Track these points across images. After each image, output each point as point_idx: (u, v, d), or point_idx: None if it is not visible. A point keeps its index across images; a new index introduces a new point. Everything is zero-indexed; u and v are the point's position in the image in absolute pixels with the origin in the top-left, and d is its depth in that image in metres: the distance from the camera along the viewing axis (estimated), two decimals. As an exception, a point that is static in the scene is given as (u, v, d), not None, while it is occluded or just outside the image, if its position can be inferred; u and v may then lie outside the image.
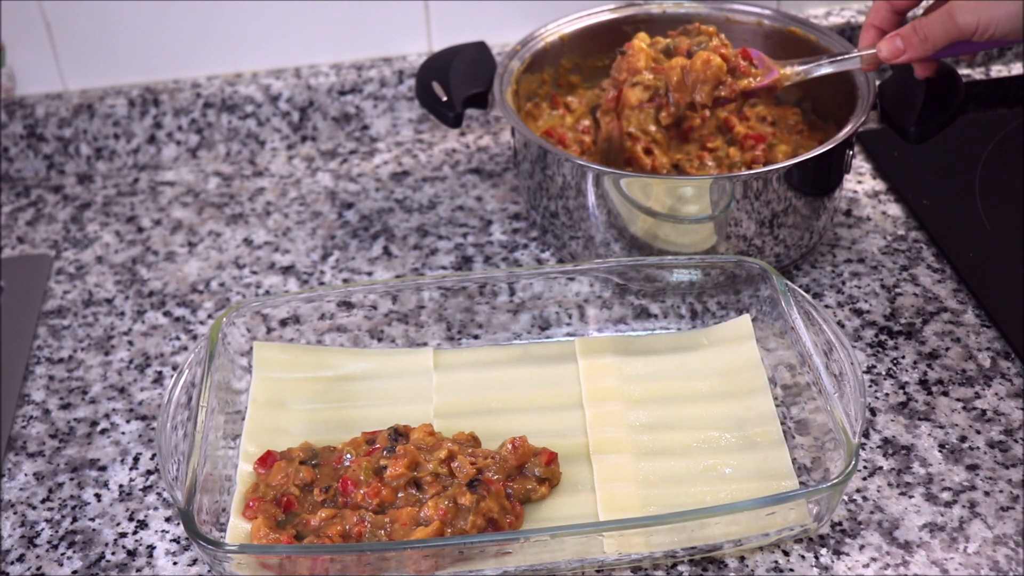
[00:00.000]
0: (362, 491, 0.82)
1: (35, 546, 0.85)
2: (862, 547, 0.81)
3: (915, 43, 0.93)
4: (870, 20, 0.98)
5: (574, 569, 0.80)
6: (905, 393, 0.93)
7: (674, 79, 1.01)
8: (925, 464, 0.87)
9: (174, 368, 0.99)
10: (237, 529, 0.82)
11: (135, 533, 0.86)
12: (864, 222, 1.10)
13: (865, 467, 0.87)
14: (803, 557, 0.81)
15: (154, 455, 0.92)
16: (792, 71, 1.02)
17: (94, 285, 1.09)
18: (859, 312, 1.00)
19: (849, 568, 0.80)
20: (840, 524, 0.83)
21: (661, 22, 1.16)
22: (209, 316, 1.05)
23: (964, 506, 0.83)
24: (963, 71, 1.30)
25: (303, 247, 1.12)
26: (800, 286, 1.03)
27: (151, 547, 0.85)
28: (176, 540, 0.85)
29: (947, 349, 0.96)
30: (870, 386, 0.93)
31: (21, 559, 0.85)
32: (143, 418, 0.95)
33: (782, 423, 0.89)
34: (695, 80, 1.00)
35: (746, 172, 0.98)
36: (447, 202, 1.17)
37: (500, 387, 0.93)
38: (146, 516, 0.87)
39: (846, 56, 1.01)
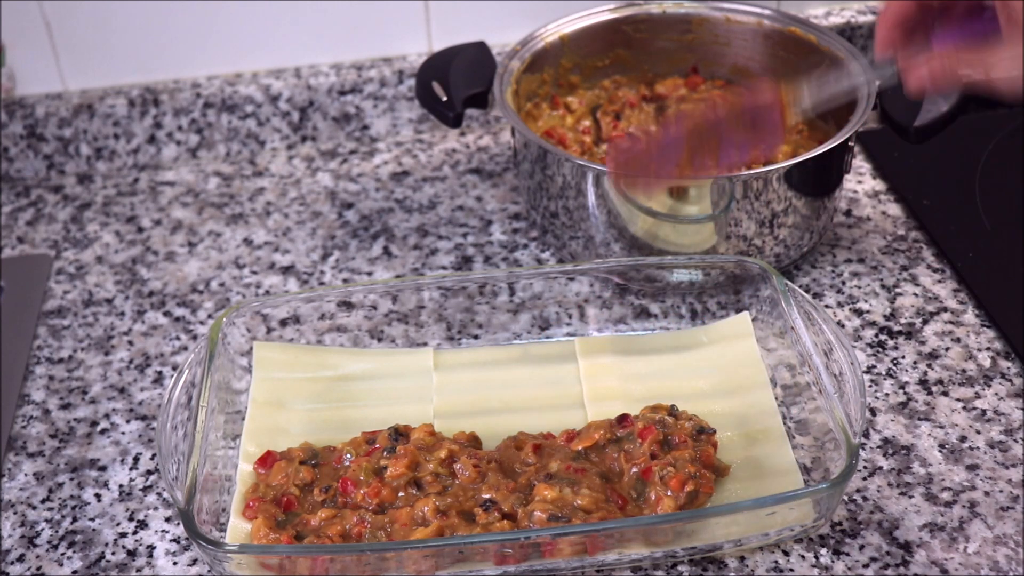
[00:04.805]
0: (362, 491, 0.82)
1: (35, 546, 0.85)
2: (862, 547, 0.81)
3: (946, 84, 0.81)
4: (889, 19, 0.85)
5: (574, 569, 0.80)
6: (905, 393, 0.93)
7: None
8: (925, 464, 0.87)
9: (174, 368, 0.99)
10: (237, 529, 0.82)
11: (135, 533, 0.86)
12: (864, 222, 1.10)
13: (865, 467, 0.87)
14: (803, 557, 0.81)
15: (154, 455, 0.92)
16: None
17: (94, 285, 1.09)
18: (859, 312, 1.00)
19: (849, 568, 0.80)
20: (840, 524, 0.83)
21: (661, 22, 1.16)
22: (209, 316, 1.05)
23: (964, 506, 0.83)
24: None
25: (303, 247, 1.12)
26: (800, 286, 1.03)
27: (151, 547, 0.85)
28: (176, 540, 0.85)
29: (947, 349, 0.96)
30: (870, 386, 0.93)
31: (21, 559, 0.85)
32: (143, 418, 0.95)
33: (782, 423, 0.89)
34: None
35: (746, 172, 0.97)
36: (447, 202, 1.17)
37: (500, 387, 0.93)
38: (146, 516, 0.87)
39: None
